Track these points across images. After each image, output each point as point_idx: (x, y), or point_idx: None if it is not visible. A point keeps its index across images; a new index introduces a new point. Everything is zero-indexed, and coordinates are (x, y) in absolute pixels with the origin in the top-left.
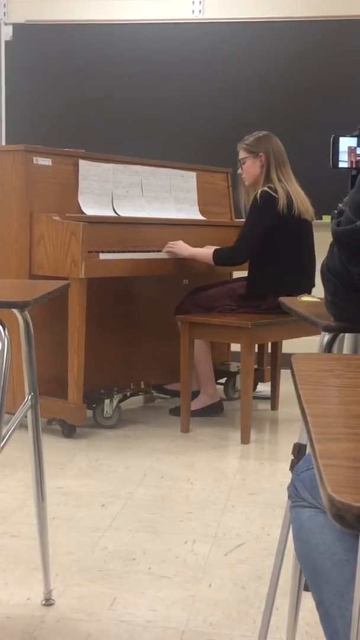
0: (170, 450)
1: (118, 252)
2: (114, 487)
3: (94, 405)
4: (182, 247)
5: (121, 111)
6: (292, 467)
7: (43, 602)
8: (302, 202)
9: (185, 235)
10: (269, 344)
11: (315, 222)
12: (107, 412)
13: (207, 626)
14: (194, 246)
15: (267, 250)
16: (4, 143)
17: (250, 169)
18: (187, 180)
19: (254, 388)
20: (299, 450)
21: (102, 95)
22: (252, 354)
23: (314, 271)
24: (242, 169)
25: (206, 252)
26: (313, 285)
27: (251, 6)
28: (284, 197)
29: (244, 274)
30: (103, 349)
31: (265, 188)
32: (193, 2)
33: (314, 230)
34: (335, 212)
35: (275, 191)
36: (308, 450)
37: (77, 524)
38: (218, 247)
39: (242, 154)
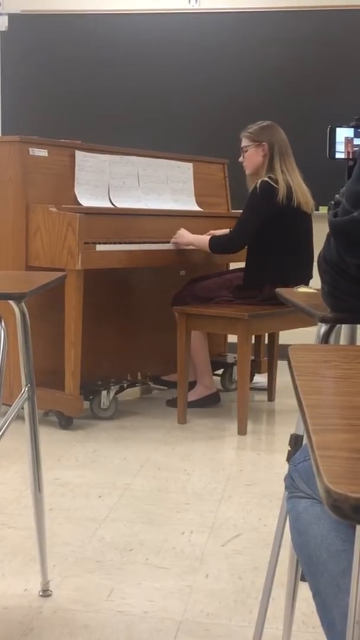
0: (167, 441)
1: (115, 243)
2: (111, 478)
3: (90, 397)
4: (183, 235)
5: (117, 102)
6: (288, 458)
7: (40, 593)
8: (303, 194)
9: (181, 226)
10: (266, 335)
11: None
12: (104, 403)
13: (204, 616)
14: None
15: (265, 241)
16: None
17: (252, 157)
18: (183, 171)
19: (251, 379)
20: (295, 441)
21: (98, 86)
22: (249, 345)
23: (311, 263)
24: (243, 157)
25: (203, 239)
26: (310, 276)
27: None
28: (284, 187)
29: (241, 265)
30: (100, 340)
31: (266, 178)
32: None
33: None
34: (332, 202)
35: (276, 181)
36: (305, 441)
37: (74, 515)
38: (215, 235)
39: (244, 142)
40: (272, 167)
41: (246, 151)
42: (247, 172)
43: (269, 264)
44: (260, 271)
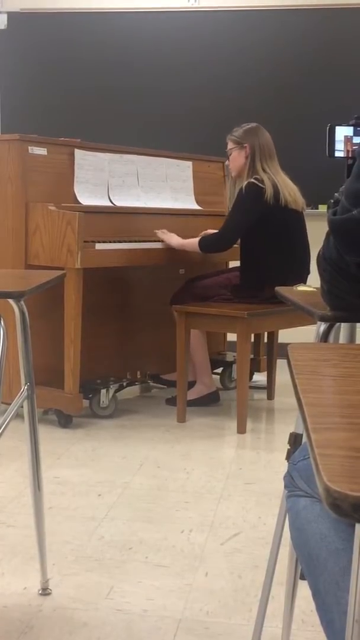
0: (167, 440)
1: (114, 242)
2: (110, 476)
3: (90, 395)
4: (172, 237)
5: (117, 100)
6: (288, 457)
7: (40, 592)
8: (290, 193)
9: (181, 224)
10: (265, 333)
11: (311, 211)
12: (103, 402)
13: (204, 615)
14: (190, 236)
15: (258, 242)
16: None
17: (235, 160)
18: (183, 170)
19: (250, 378)
20: (295, 440)
21: (98, 85)
22: (248, 344)
23: (308, 260)
24: (229, 160)
25: (193, 241)
26: (308, 273)
27: None
28: (270, 187)
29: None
30: (99, 338)
31: (252, 179)
32: None
33: (310, 219)
34: (332, 201)
35: (262, 182)
36: (304, 439)
37: (73, 513)
38: (203, 236)
39: (229, 145)
40: (254, 169)
41: (230, 154)
42: (233, 174)
43: (265, 264)
44: (256, 272)
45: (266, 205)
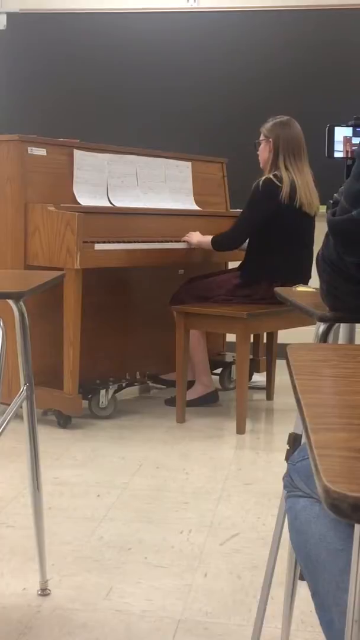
0: (166, 440)
1: (113, 242)
2: (109, 477)
3: (89, 396)
4: (192, 236)
5: (116, 101)
6: (287, 457)
7: (39, 592)
8: (307, 195)
9: (180, 225)
10: (265, 334)
11: None
12: (102, 402)
13: (203, 615)
14: None
15: (265, 239)
16: None
17: (262, 152)
18: (182, 170)
19: (250, 378)
20: (294, 440)
21: (97, 85)
22: (248, 344)
23: (310, 264)
24: (258, 151)
25: (207, 239)
26: (309, 277)
27: None
28: (287, 186)
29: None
30: (98, 339)
31: (270, 176)
32: None
33: None
34: (331, 201)
35: (280, 179)
36: (303, 440)
37: (72, 514)
38: (216, 234)
39: (260, 136)
40: (276, 164)
41: (259, 145)
42: (261, 166)
43: (267, 262)
44: (257, 269)
45: (279, 204)
